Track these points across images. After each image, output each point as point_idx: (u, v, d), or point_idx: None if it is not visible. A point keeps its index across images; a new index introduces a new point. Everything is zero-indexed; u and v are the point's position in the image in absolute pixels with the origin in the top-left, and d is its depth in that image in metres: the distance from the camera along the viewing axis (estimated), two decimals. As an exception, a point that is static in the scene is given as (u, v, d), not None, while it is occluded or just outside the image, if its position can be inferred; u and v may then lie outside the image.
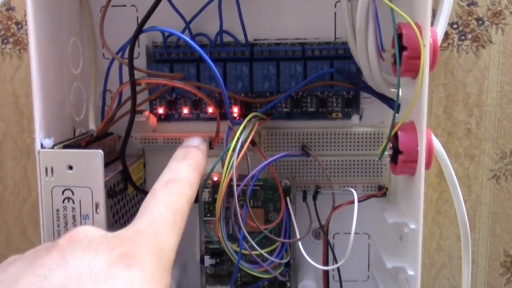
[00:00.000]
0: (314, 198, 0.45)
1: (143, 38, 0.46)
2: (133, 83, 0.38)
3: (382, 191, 0.44)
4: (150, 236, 0.27)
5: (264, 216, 0.44)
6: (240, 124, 0.40)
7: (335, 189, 0.44)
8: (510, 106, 0.47)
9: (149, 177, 0.48)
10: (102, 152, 0.37)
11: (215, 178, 0.43)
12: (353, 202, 0.39)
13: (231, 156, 0.37)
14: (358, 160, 0.46)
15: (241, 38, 0.44)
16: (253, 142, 0.44)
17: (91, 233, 0.27)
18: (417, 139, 0.36)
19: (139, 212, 0.29)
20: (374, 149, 0.45)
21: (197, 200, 0.41)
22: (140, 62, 0.46)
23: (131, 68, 0.37)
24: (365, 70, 0.40)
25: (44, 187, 0.38)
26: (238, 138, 0.38)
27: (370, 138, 0.45)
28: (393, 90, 0.41)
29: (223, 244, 0.38)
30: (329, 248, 0.42)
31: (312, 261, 0.38)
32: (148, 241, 0.26)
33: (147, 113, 0.46)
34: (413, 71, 0.35)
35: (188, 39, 0.37)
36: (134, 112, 0.39)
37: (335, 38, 0.45)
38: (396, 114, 0.40)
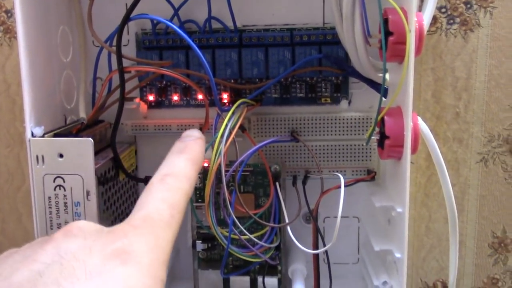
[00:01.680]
0: (304, 183, 0.45)
1: (132, 25, 0.46)
2: (122, 71, 0.38)
3: (370, 175, 0.45)
4: (146, 232, 0.27)
5: (254, 201, 0.45)
6: (229, 110, 0.41)
7: (324, 174, 0.44)
8: (498, 90, 0.47)
9: (141, 163, 0.49)
10: (92, 140, 0.38)
11: (206, 164, 0.44)
12: (340, 186, 0.39)
13: (220, 142, 0.38)
14: (347, 145, 0.46)
15: (229, 24, 0.44)
16: (242, 128, 0.45)
17: (87, 228, 0.27)
18: (404, 124, 0.36)
19: (136, 207, 0.29)
20: (363, 134, 0.46)
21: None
22: (130, 49, 0.46)
23: (119, 56, 0.38)
24: (352, 56, 0.40)
25: (36, 175, 0.38)
26: (226, 125, 0.38)
27: (359, 123, 0.46)
28: (380, 75, 0.41)
29: (213, 230, 0.39)
30: (319, 232, 0.42)
31: (300, 245, 0.39)
32: (144, 237, 0.26)
33: (137, 100, 0.47)
34: (399, 56, 0.35)
35: (175, 27, 0.38)
36: (123, 99, 0.39)
37: (324, 24, 0.45)
38: (384, 99, 0.40)
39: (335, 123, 0.46)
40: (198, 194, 0.44)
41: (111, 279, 0.23)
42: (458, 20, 0.46)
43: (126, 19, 0.37)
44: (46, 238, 0.27)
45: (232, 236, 0.40)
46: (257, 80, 0.45)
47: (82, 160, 0.38)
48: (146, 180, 0.45)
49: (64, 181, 0.38)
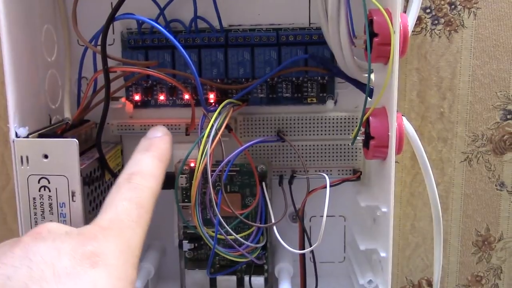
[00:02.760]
0: (290, 183, 0.46)
1: (118, 25, 0.46)
2: (107, 71, 0.38)
3: (356, 175, 0.45)
4: (114, 233, 0.27)
5: (241, 201, 0.45)
6: (216, 110, 0.41)
7: (310, 174, 0.44)
8: (482, 90, 0.48)
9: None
10: (76, 141, 0.37)
11: (192, 164, 0.44)
12: (326, 186, 0.40)
13: (206, 142, 0.38)
14: (333, 145, 0.46)
15: (216, 24, 0.44)
16: (229, 128, 0.45)
17: (56, 230, 0.26)
18: (388, 124, 0.37)
19: (103, 207, 0.29)
20: (349, 134, 0.46)
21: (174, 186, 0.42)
22: (115, 48, 0.46)
23: (104, 56, 0.37)
24: (337, 56, 0.40)
25: (20, 176, 0.38)
26: (213, 125, 0.38)
27: (345, 122, 0.46)
28: (365, 75, 0.41)
29: (199, 230, 0.39)
30: (305, 231, 0.43)
31: (286, 245, 0.39)
32: (113, 238, 0.26)
33: (123, 100, 0.46)
34: (384, 57, 0.36)
35: (160, 26, 0.38)
36: (108, 99, 0.39)
37: (310, 24, 0.45)
38: (370, 100, 0.41)
39: (321, 123, 0.46)
40: (184, 194, 0.44)
41: (80, 282, 0.23)
42: (442, 20, 0.47)
43: (111, 19, 0.37)
44: (15, 240, 0.26)
45: (218, 236, 0.40)
46: (243, 80, 0.45)
47: (67, 161, 0.38)
48: (132, 180, 0.45)
49: (49, 182, 0.38)
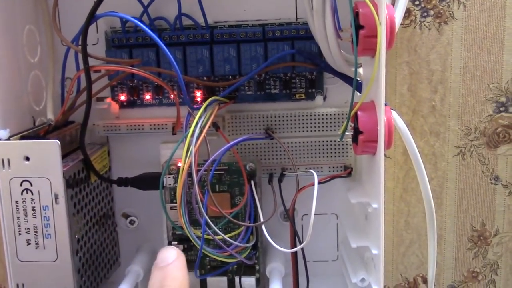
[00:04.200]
0: (280, 181, 0.45)
1: (102, 24, 0.45)
2: (87, 70, 0.37)
3: (346, 171, 0.44)
4: None
5: (230, 201, 0.44)
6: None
7: (299, 171, 0.43)
8: (473, 82, 0.47)
9: (114, 164, 0.48)
10: (58, 142, 0.37)
11: (180, 164, 0.43)
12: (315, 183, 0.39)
13: (190, 141, 0.37)
14: (323, 141, 0.45)
15: (201, 21, 0.43)
16: (216, 126, 0.44)
17: None
18: (377, 118, 0.36)
19: None
20: (339, 130, 0.45)
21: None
22: (99, 48, 0.45)
23: (85, 55, 0.37)
24: (324, 50, 0.40)
25: (2, 179, 0.37)
26: (197, 123, 0.37)
27: (335, 118, 0.45)
28: (354, 69, 0.40)
29: (185, 230, 0.38)
30: (294, 230, 0.42)
31: (275, 244, 0.38)
32: None
33: (108, 100, 0.46)
34: (371, 50, 0.35)
35: (142, 24, 0.37)
36: (90, 99, 0.38)
37: (296, 19, 0.44)
38: (360, 94, 0.40)
39: (311, 119, 0.45)
40: (172, 194, 0.43)
41: None
42: (432, 12, 0.46)
43: (91, 16, 0.36)
44: None
45: (206, 236, 0.39)
46: (230, 77, 0.45)
47: (49, 163, 0.37)
48: (119, 181, 0.45)
49: (31, 185, 0.37)
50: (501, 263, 0.51)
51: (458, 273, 0.51)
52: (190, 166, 0.37)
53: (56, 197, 0.37)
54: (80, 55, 0.42)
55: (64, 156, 0.41)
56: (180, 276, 0.30)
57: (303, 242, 0.41)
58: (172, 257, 0.31)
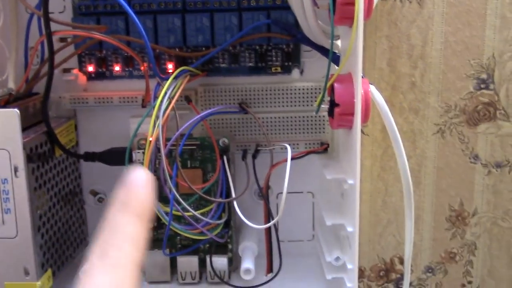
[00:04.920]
0: (254, 157, 0.43)
1: (68, -10, 0.43)
2: (49, 35, 0.35)
3: (322, 147, 0.43)
4: None
5: (202, 177, 0.42)
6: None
7: (273, 146, 0.42)
8: (454, 58, 0.46)
9: (82, 139, 0.46)
10: (18, 111, 0.35)
11: (150, 139, 0.41)
12: (291, 159, 0.37)
13: (157, 112, 0.35)
14: (299, 117, 0.44)
15: (173, -12, 0.41)
16: (188, 99, 0.42)
17: None
18: (354, 91, 0.34)
19: None
20: (315, 104, 0.43)
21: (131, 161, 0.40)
22: (66, 16, 0.43)
23: (46, 18, 0.34)
24: (301, 19, 0.38)
25: (-43, 150, 0.35)
26: (165, 93, 0.36)
27: (312, 93, 0.44)
28: (331, 40, 0.39)
29: (153, 206, 0.36)
30: (268, 208, 0.40)
31: (246, 220, 0.37)
32: None
33: (75, 71, 0.44)
34: (349, 19, 0.33)
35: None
36: (52, 67, 0.36)
37: (273, -12, 0.42)
38: (337, 68, 0.38)
39: (287, 93, 0.44)
40: (142, 170, 0.42)
41: None
42: (413, -15, 0.45)
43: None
44: None
45: (175, 213, 0.37)
46: (203, 48, 0.43)
47: (8, 133, 0.35)
48: (86, 156, 0.43)
49: (-11, 157, 0.35)
50: (479, 244, 0.50)
51: (436, 254, 0.50)
52: (157, 139, 0.35)
53: (16, 170, 0.35)
54: (43, 22, 0.40)
55: (26, 128, 0.39)
56: (144, 195, 0.28)
57: (272, 219, 0.40)
58: (139, 178, 0.29)
